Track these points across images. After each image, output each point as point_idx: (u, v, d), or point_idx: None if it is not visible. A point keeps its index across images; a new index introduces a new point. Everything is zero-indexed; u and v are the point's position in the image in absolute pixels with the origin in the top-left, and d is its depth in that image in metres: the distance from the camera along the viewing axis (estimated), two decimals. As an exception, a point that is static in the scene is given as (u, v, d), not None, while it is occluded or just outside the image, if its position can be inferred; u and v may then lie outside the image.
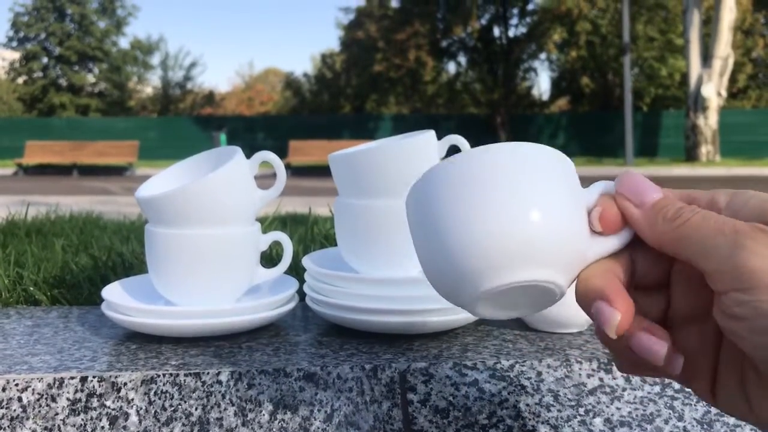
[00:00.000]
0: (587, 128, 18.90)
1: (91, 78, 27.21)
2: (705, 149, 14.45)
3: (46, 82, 26.23)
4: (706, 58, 14.42)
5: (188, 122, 20.44)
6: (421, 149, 0.70)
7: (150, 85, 30.35)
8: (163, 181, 0.73)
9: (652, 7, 19.51)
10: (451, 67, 22.84)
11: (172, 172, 0.74)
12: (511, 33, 21.44)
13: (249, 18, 76.72)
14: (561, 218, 0.34)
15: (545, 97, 24.72)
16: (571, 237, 0.34)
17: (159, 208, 0.68)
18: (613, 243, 0.36)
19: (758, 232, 0.31)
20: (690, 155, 14.56)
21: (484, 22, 21.43)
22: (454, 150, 0.73)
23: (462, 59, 22.39)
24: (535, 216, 0.33)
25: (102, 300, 0.82)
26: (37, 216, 1.91)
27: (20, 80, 27.10)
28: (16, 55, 27.17)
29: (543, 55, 22.42)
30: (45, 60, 26.56)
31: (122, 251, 0.97)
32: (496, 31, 21.45)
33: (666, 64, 19.70)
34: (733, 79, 17.86)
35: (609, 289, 0.34)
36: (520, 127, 19.61)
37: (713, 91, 14.37)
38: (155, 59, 29.47)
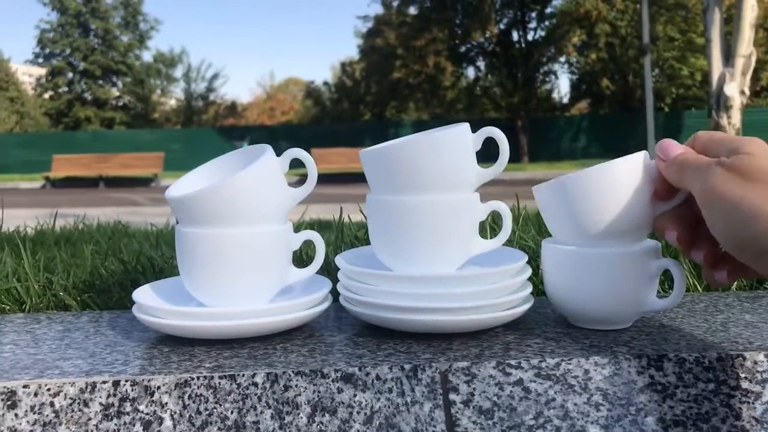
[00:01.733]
0: (608, 130, 18.74)
1: (115, 91, 27.58)
2: (730, 149, 14.20)
3: (72, 97, 26.65)
4: (728, 56, 14.20)
5: (211, 133, 20.61)
6: (455, 142, 0.68)
7: (173, 98, 30.65)
8: (193, 181, 0.71)
9: (672, 7, 19.31)
10: (471, 72, 22.76)
11: (202, 171, 0.73)
12: (530, 36, 21.35)
13: (269, 29, 77.30)
14: (634, 210, 0.64)
15: (565, 100, 24.55)
16: (639, 214, 0.64)
17: (189, 207, 0.66)
18: (667, 205, 0.63)
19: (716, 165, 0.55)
20: (715, 155, 14.32)
21: (502, 26, 21.35)
22: (490, 142, 0.70)
23: (481, 64, 22.34)
24: (622, 213, 0.64)
25: (132, 304, 0.81)
26: (65, 226, 1.91)
27: (47, 95, 27.54)
28: (42, 71, 27.63)
29: (562, 58, 22.28)
30: (70, 75, 26.98)
31: (152, 255, 0.96)
32: (515, 35, 21.37)
33: (687, 64, 19.47)
34: (755, 77, 17.58)
35: (662, 222, 0.63)
36: (540, 131, 19.49)
37: (736, 89, 14.14)
38: (178, 72, 29.81)
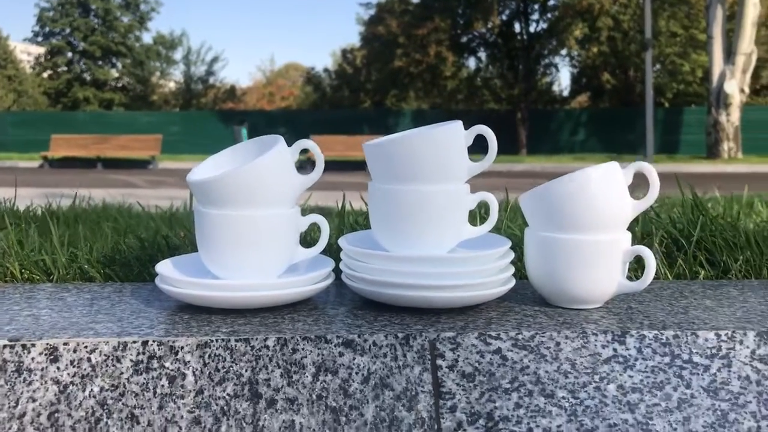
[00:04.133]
0: (608, 124, 18.80)
1: (114, 73, 27.53)
2: (727, 146, 14.31)
3: (71, 77, 26.59)
4: (729, 54, 14.28)
5: (210, 117, 20.64)
6: (449, 138, 0.76)
7: (172, 80, 30.61)
8: (212, 166, 0.79)
9: (675, 3, 19.34)
10: (472, 63, 22.78)
11: (219, 158, 0.80)
12: (532, 29, 21.36)
13: (270, 13, 77.00)
14: (616, 209, 0.75)
15: (566, 93, 24.61)
16: (611, 215, 0.75)
17: (209, 190, 0.74)
18: (642, 205, 0.76)
19: None
20: (711, 152, 14.43)
21: (504, 17, 21.36)
22: (480, 139, 0.78)
23: (482, 55, 22.35)
24: (608, 209, 0.74)
25: (151, 278, 0.89)
26: (71, 206, 1.99)
27: (45, 75, 27.48)
28: (41, 50, 27.57)
29: (564, 51, 22.31)
30: (69, 55, 26.91)
31: (168, 233, 1.04)
32: (517, 27, 21.38)
33: (688, 60, 19.53)
34: (756, 76, 17.62)
35: None
36: (540, 123, 19.55)
37: (736, 87, 14.23)
38: (178, 54, 29.71)
